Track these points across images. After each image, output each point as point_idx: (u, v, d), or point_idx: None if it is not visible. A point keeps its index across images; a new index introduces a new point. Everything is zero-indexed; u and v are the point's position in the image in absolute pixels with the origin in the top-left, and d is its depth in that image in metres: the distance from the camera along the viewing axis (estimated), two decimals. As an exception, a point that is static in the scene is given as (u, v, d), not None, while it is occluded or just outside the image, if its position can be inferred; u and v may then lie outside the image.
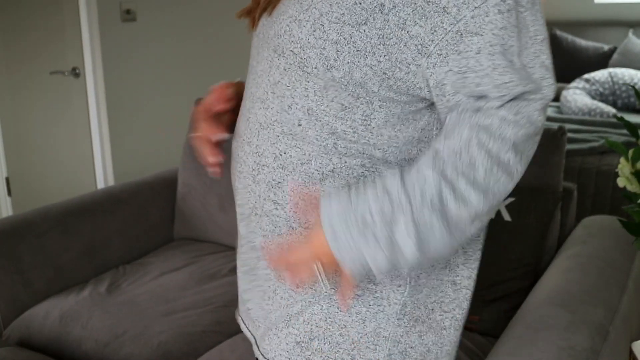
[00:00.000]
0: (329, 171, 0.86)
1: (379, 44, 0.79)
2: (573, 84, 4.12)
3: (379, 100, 0.83)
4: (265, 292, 0.95)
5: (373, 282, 0.88)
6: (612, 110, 3.79)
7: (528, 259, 1.62)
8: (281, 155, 0.88)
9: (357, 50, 0.80)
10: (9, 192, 3.43)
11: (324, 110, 0.85)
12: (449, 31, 0.76)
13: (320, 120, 0.85)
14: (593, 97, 4.04)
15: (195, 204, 2.22)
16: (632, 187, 1.44)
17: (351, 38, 0.79)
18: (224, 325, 1.74)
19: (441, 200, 0.77)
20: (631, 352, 1.34)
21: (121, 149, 3.17)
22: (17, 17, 3.22)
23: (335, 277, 0.86)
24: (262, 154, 0.89)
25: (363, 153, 0.86)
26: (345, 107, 0.84)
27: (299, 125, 0.86)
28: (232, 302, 1.82)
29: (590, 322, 1.21)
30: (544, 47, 0.79)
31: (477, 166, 0.77)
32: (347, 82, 0.82)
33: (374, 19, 0.78)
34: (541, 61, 0.79)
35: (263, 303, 0.96)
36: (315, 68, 0.82)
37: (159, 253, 2.17)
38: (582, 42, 4.59)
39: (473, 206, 0.77)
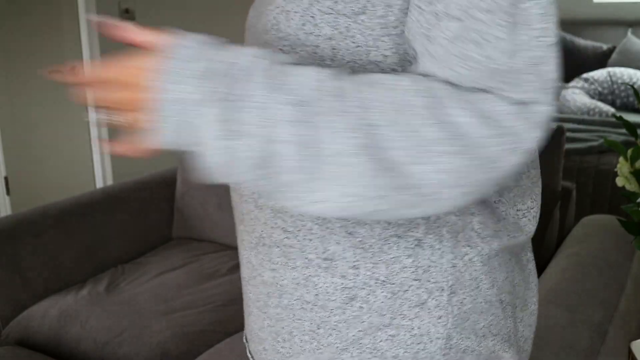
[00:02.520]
0: None
1: (383, 35, 0.65)
2: (572, 84, 4.13)
3: None
4: (279, 334, 0.80)
5: (407, 317, 0.72)
6: (611, 109, 3.80)
7: (527, 259, 1.62)
8: None
9: (358, 47, 0.65)
10: (8, 192, 3.43)
11: None
12: (426, 11, 0.60)
13: None
14: (592, 97, 4.05)
15: (194, 203, 2.22)
16: (631, 187, 1.44)
17: (348, 32, 0.65)
18: (223, 324, 1.73)
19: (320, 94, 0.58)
20: (630, 352, 1.34)
21: (120, 148, 3.17)
22: (16, 16, 3.21)
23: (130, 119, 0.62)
24: None
25: None
26: None
27: None
28: (230, 301, 1.82)
29: (589, 322, 1.21)
30: (549, 54, 0.59)
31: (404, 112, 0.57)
32: None
33: (373, 6, 0.64)
34: (541, 72, 0.59)
35: (277, 345, 0.81)
36: None
37: (158, 252, 2.17)
38: (581, 42, 4.59)
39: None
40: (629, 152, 1.42)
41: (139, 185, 2.27)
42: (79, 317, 1.75)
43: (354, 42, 0.65)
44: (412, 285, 0.72)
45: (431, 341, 0.73)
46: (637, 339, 1.37)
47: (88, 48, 2.99)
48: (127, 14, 3.08)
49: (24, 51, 3.26)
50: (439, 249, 0.72)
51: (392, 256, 0.72)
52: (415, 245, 0.72)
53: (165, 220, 2.29)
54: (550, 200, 1.67)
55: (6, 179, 3.42)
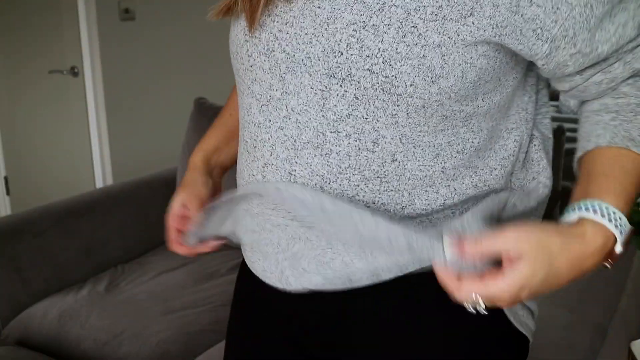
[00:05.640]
0: (439, 205, 0.70)
1: (493, 36, 0.63)
2: (572, 84, 4.13)
3: (483, 94, 0.68)
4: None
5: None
6: (611, 109, 3.79)
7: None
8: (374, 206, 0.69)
9: (466, 46, 0.63)
10: (8, 192, 3.43)
11: (422, 130, 0.66)
12: (576, 5, 0.62)
13: (419, 146, 0.67)
14: (592, 97, 4.05)
15: (194, 203, 2.22)
16: (631, 187, 1.43)
17: (458, 36, 0.62)
18: (223, 324, 1.73)
19: None
20: (630, 352, 1.34)
21: (120, 148, 3.17)
22: (16, 16, 3.21)
23: None
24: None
25: (469, 167, 0.71)
26: (446, 116, 0.67)
27: (394, 161, 0.67)
28: (230, 301, 1.82)
29: (589, 322, 1.21)
30: None
31: None
32: (459, 88, 0.65)
33: (481, 7, 0.61)
34: None
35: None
36: (412, 85, 0.63)
37: (158, 252, 2.17)
38: (581, 42, 4.59)
39: None
40: (629, 152, 1.41)
41: (139, 185, 2.27)
42: (79, 317, 1.75)
43: (464, 43, 0.62)
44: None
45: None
46: (637, 339, 1.37)
47: (88, 47, 2.99)
48: (127, 14, 3.08)
49: (24, 51, 3.26)
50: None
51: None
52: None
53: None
54: (550, 200, 1.67)
55: (6, 179, 3.42)
